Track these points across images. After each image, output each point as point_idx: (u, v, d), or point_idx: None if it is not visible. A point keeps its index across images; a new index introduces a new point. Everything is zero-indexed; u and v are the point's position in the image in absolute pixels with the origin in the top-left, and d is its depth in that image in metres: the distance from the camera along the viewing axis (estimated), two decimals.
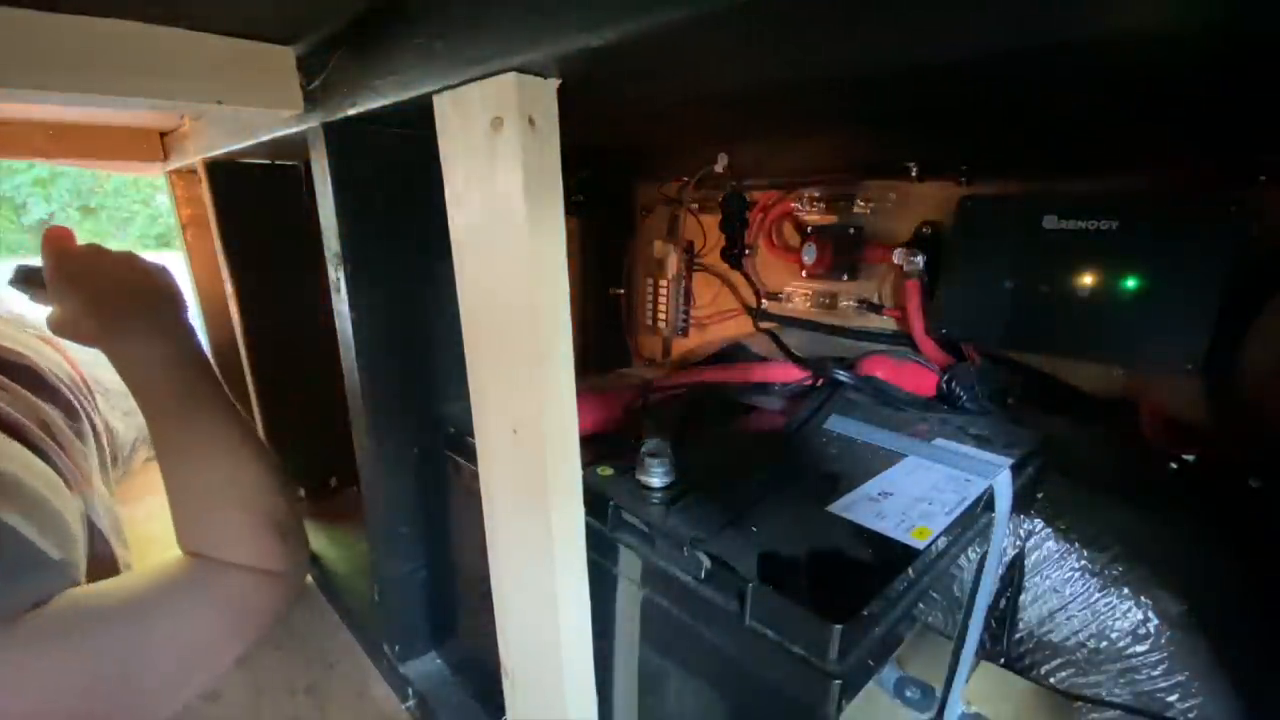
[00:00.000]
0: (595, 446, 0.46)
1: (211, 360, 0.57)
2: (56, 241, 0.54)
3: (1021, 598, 0.49)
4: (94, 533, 0.56)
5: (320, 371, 0.73)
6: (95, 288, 0.52)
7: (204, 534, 0.53)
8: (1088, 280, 0.52)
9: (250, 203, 0.78)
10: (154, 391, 0.53)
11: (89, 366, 0.80)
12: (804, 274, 0.74)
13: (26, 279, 0.56)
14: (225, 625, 0.51)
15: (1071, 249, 0.52)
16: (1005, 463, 0.45)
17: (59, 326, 0.54)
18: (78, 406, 0.67)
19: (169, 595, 0.49)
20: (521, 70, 0.28)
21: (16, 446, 0.52)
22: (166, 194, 0.94)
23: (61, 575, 0.45)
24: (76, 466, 0.59)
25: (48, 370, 0.66)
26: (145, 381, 0.53)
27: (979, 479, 0.42)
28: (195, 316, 0.98)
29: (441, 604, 0.60)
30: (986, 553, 0.43)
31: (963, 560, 0.41)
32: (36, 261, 0.55)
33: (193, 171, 0.85)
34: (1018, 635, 0.50)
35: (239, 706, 0.61)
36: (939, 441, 0.49)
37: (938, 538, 0.35)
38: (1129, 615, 0.45)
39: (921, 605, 0.35)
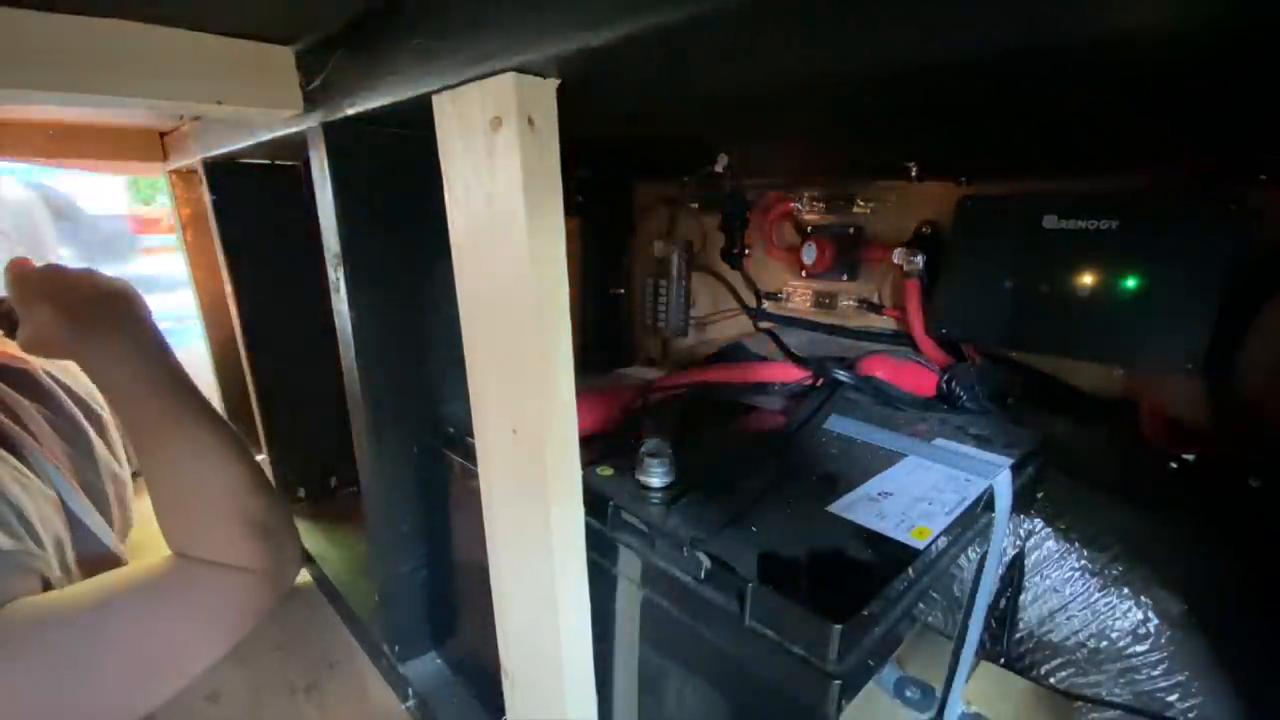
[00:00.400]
0: (595, 446, 0.46)
1: (184, 364, 0.58)
2: (15, 269, 0.56)
3: (1021, 597, 0.49)
4: (80, 529, 0.57)
5: (320, 371, 0.73)
6: (58, 301, 0.54)
7: (184, 533, 0.53)
8: (1088, 280, 0.52)
9: (250, 202, 0.78)
10: (125, 393, 0.54)
11: None
12: (804, 274, 0.74)
13: None
14: (200, 624, 0.52)
15: (1071, 249, 0.52)
16: (1005, 463, 0.45)
17: (29, 344, 0.55)
18: (71, 410, 0.67)
19: (136, 596, 0.49)
20: (521, 70, 0.28)
21: None
22: (166, 194, 0.94)
23: (8, 566, 0.45)
24: (58, 461, 0.60)
25: (44, 375, 0.67)
26: (116, 383, 0.54)
27: (979, 479, 0.42)
28: (195, 317, 0.98)
29: (441, 604, 0.60)
30: (986, 553, 0.43)
31: (963, 560, 0.41)
32: (2, 293, 0.57)
33: (193, 171, 0.85)
34: (1018, 635, 0.50)
35: (239, 706, 0.61)
36: (939, 441, 0.49)
37: (938, 537, 0.35)
38: (1129, 615, 0.45)
39: (921, 605, 0.35)
